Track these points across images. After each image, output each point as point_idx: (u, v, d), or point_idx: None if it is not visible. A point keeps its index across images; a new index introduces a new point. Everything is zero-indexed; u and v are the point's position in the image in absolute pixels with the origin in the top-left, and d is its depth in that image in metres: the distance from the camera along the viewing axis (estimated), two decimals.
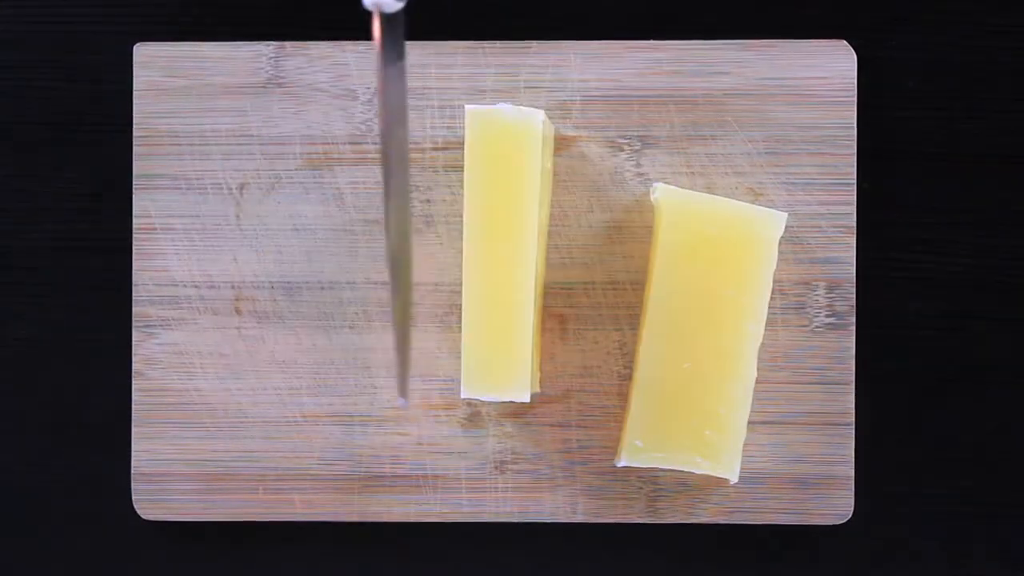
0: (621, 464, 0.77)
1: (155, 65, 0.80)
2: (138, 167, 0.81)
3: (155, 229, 0.80)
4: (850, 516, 0.80)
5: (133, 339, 0.80)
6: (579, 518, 0.80)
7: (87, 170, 0.83)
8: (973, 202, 0.82)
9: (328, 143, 0.80)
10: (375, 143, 0.80)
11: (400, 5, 0.64)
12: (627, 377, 0.80)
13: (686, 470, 0.77)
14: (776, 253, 0.77)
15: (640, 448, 0.77)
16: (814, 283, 0.80)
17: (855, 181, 0.80)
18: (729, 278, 0.76)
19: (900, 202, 0.82)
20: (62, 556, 0.83)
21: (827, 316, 0.80)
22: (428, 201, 0.80)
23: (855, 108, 0.80)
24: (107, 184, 0.82)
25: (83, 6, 0.83)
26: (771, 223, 0.76)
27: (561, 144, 0.80)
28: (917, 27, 0.82)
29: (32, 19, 0.83)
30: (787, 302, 0.79)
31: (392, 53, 0.65)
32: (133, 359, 0.80)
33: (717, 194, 0.79)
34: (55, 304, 0.83)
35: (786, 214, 0.77)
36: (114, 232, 0.82)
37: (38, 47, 0.83)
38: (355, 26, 0.82)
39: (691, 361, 0.76)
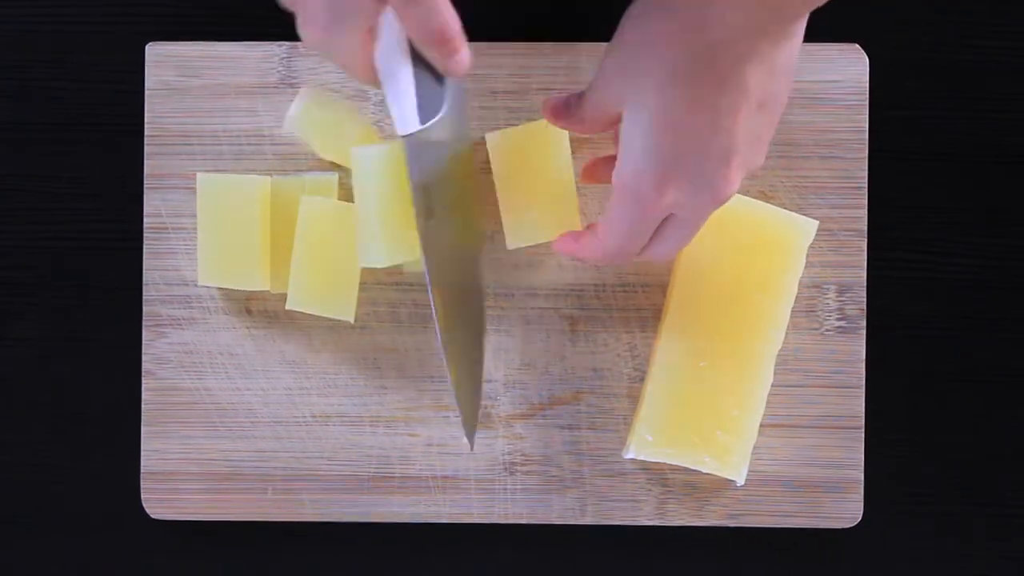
0: (629, 456, 0.78)
1: (167, 65, 0.80)
2: (149, 166, 0.80)
3: (166, 228, 0.80)
4: (859, 519, 0.80)
5: (143, 338, 0.80)
6: (588, 520, 0.80)
7: (94, 170, 0.82)
8: (973, 202, 0.82)
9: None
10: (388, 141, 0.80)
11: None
12: (637, 379, 0.80)
13: (693, 468, 0.77)
14: (804, 260, 0.77)
15: (650, 442, 0.77)
16: (825, 286, 0.80)
17: (867, 185, 0.80)
18: (755, 281, 0.76)
19: (899, 202, 0.82)
20: (70, 555, 0.83)
21: (838, 320, 0.80)
22: None
23: (867, 112, 0.80)
24: (115, 183, 0.82)
25: (92, 6, 0.83)
26: (802, 230, 0.77)
27: (573, 146, 0.80)
28: (918, 27, 0.82)
29: (39, 19, 0.82)
30: (798, 305, 0.79)
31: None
32: (143, 358, 0.80)
33: None
34: (63, 304, 0.83)
35: (817, 222, 0.77)
36: (123, 232, 0.82)
37: (45, 47, 0.82)
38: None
39: (708, 361, 0.77)
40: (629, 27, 0.62)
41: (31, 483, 0.83)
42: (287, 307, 0.77)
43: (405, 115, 0.66)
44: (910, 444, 0.82)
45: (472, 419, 0.76)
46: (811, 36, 0.79)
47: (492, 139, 0.77)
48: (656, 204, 0.63)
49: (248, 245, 0.78)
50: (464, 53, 0.64)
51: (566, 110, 0.69)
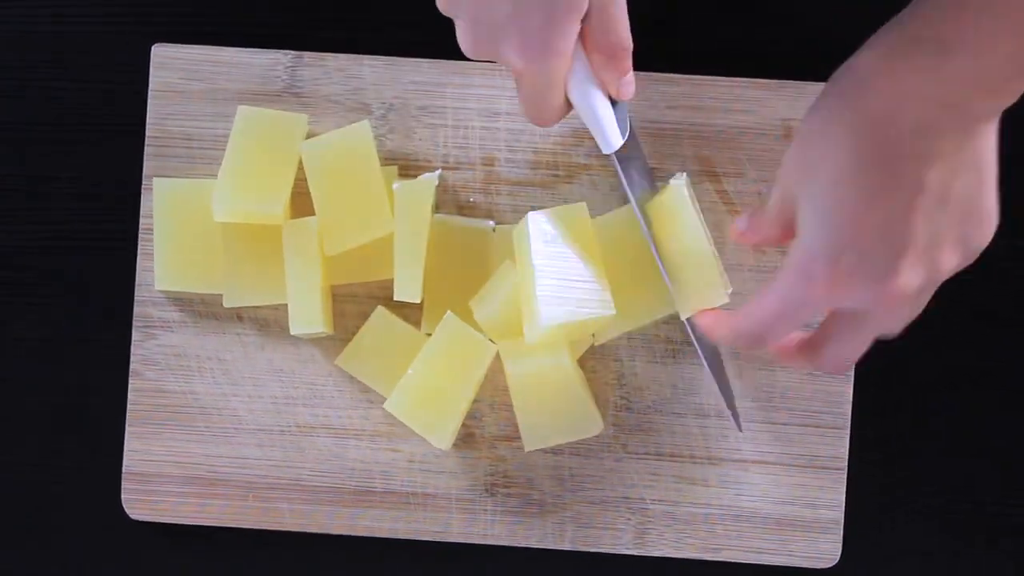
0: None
1: (172, 67, 0.80)
2: (148, 168, 0.81)
3: None
4: (836, 561, 0.80)
5: (132, 339, 0.80)
6: (567, 545, 0.80)
7: (94, 170, 0.83)
8: None
9: None
10: (388, 158, 0.80)
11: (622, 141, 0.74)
12: (624, 408, 0.80)
13: None
14: None
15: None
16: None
17: None
18: None
19: None
20: (70, 555, 0.83)
21: None
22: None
23: None
24: (115, 184, 0.82)
25: (93, 5, 0.83)
26: None
27: (572, 172, 0.80)
28: None
29: (39, 19, 0.83)
30: None
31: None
32: (131, 359, 0.80)
33: (725, 232, 0.79)
34: (63, 304, 0.83)
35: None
36: (122, 232, 0.82)
37: (45, 47, 0.83)
38: (374, 40, 0.82)
39: None
40: (810, 119, 0.62)
41: (30, 483, 0.83)
42: (292, 332, 0.78)
43: (607, 134, 0.72)
44: (892, 481, 0.82)
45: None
46: (815, 75, 0.80)
47: (306, 147, 0.78)
48: (824, 288, 0.62)
49: (204, 248, 0.79)
50: (631, 76, 0.70)
51: (750, 221, 0.70)
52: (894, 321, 0.65)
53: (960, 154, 0.59)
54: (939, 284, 0.64)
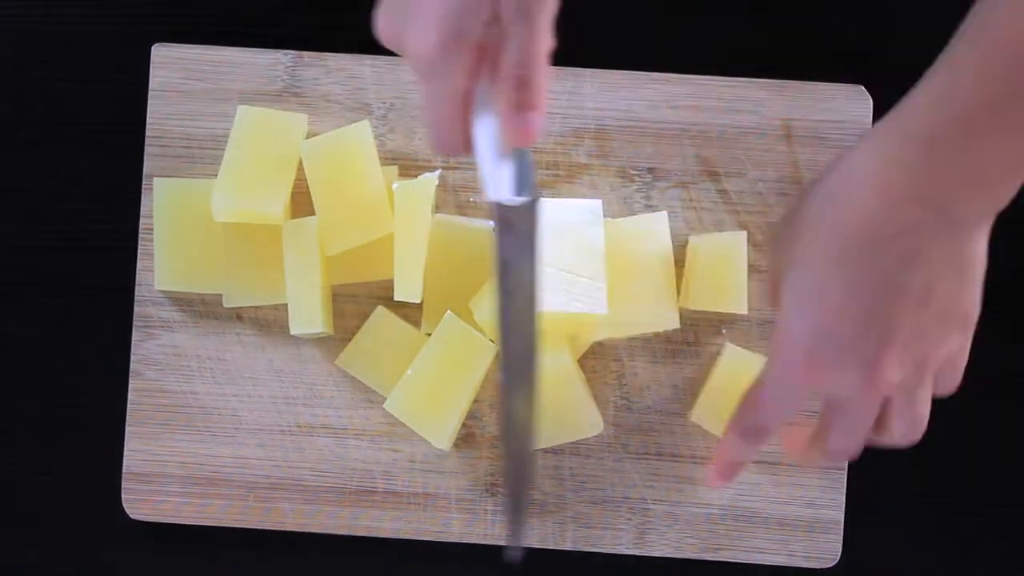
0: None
1: (172, 67, 0.80)
2: (148, 168, 0.81)
3: None
4: (836, 561, 0.80)
5: (132, 339, 0.80)
6: (568, 545, 0.80)
7: (94, 170, 0.83)
8: None
9: None
10: (388, 158, 0.80)
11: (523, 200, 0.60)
12: (623, 408, 0.80)
13: None
14: None
15: None
16: None
17: None
18: None
19: None
20: (52, 554, 0.83)
21: None
22: None
23: None
24: (115, 183, 0.82)
25: (92, 6, 0.83)
26: None
27: (572, 172, 0.80)
28: (921, 68, 0.82)
29: (39, 19, 0.83)
30: None
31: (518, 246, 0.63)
32: (131, 359, 0.80)
33: (724, 231, 0.79)
34: (62, 304, 0.82)
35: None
36: (123, 232, 0.82)
37: (45, 47, 0.83)
38: (374, 40, 0.82)
39: None
40: (805, 206, 0.62)
41: (31, 483, 0.83)
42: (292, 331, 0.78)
43: (500, 181, 0.60)
44: (892, 482, 0.82)
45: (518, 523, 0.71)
46: (813, 74, 0.80)
47: (306, 147, 0.78)
48: (804, 373, 0.62)
49: (204, 248, 0.79)
50: (539, 115, 0.58)
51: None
52: (900, 410, 0.64)
53: (947, 258, 0.59)
54: (934, 368, 0.63)
